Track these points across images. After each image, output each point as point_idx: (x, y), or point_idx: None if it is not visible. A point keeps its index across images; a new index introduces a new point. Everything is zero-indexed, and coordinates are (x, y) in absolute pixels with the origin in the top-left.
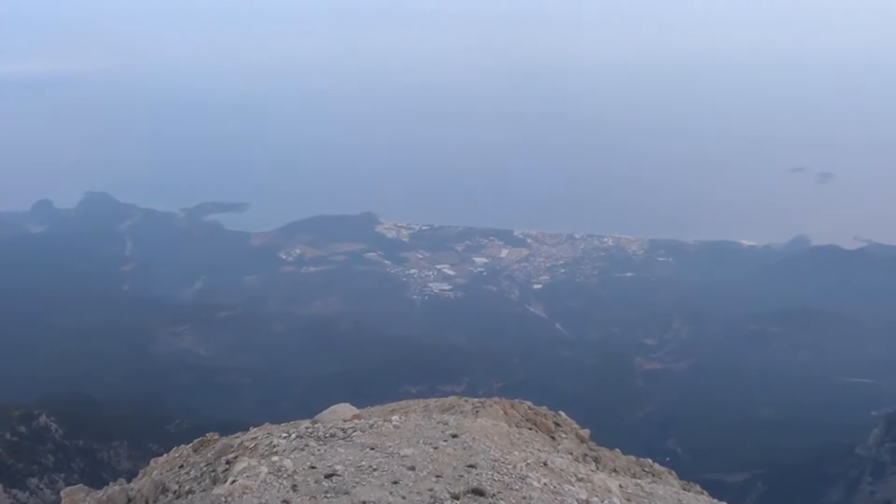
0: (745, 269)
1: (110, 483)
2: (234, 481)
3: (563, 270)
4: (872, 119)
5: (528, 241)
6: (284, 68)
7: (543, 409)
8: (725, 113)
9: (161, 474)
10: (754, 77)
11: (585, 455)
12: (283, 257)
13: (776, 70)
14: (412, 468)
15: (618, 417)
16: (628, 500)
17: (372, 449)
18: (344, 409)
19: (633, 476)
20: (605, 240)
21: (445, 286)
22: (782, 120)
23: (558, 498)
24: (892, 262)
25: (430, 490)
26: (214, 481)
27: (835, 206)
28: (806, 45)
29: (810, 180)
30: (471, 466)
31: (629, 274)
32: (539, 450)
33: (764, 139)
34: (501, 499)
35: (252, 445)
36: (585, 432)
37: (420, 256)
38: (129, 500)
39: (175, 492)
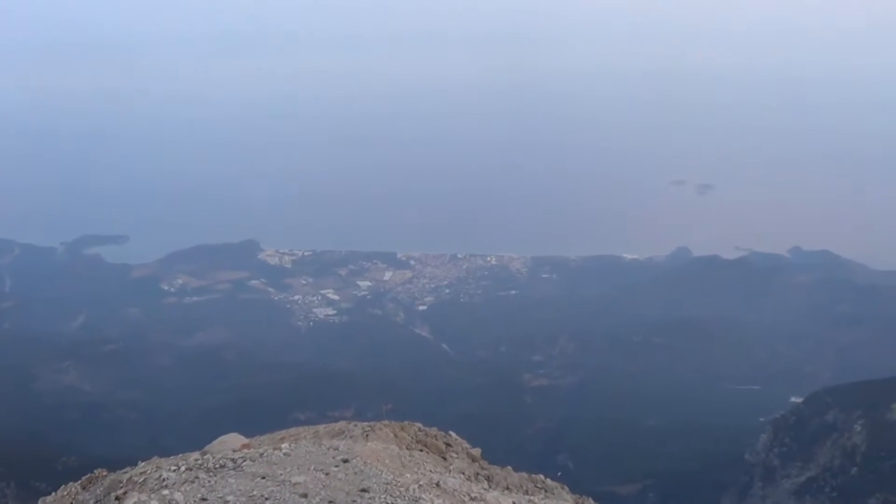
0: (628, 282)
1: None
2: None
3: (447, 291)
4: (749, 131)
5: (412, 262)
6: (161, 96)
7: (434, 431)
8: (605, 128)
9: None
10: (632, 91)
11: (477, 474)
12: (166, 288)
13: (653, 84)
14: (304, 495)
15: (508, 435)
16: None
17: (263, 478)
18: (233, 439)
19: (526, 493)
20: (488, 259)
21: (330, 311)
22: (661, 134)
23: None
24: (772, 270)
25: None
26: None
27: (715, 217)
28: (682, 59)
29: (690, 192)
30: (363, 490)
31: (513, 292)
32: (431, 471)
33: (643, 153)
34: None
35: (141, 480)
36: (476, 451)
37: (304, 282)
38: None
39: None
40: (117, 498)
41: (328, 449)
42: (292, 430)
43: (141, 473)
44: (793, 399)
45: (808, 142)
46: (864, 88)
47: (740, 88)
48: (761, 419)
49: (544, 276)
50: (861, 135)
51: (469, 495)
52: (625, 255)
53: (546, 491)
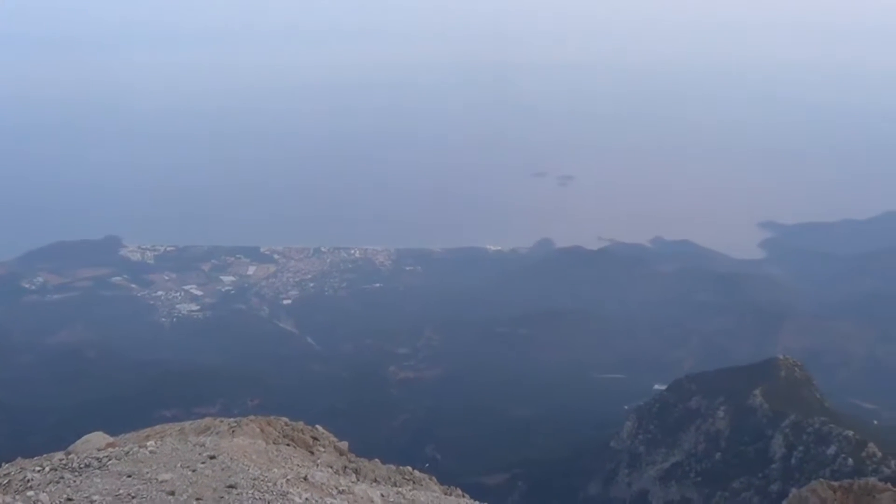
0: (492, 273)
1: None
2: None
3: (311, 285)
4: (609, 122)
5: (276, 256)
6: (14, 88)
7: (300, 425)
8: (466, 121)
9: None
10: (491, 85)
11: (345, 467)
12: (26, 286)
13: (512, 77)
14: (171, 493)
15: (375, 427)
16: None
17: (129, 476)
18: (98, 438)
19: (394, 485)
20: (353, 252)
21: (194, 307)
22: (522, 126)
23: None
24: (634, 259)
25: None
26: None
27: (577, 208)
28: (543, 53)
29: (552, 184)
30: (231, 487)
31: (378, 285)
32: (298, 465)
33: (505, 146)
34: None
35: (5, 482)
36: (344, 444)
37: (166, 278)
38: None
39: None
40: None
41: (194, 446)
42: (158, 428)
43: (5, 475)
44: (656, 386)
45: (668, 133)
46: (725, 81)
47: (599, 80)
48: (626, 407)
49: (409, 268)
50: (720, 127)
51: (337, 488)
52: (488, 247)
53: (414, 482)
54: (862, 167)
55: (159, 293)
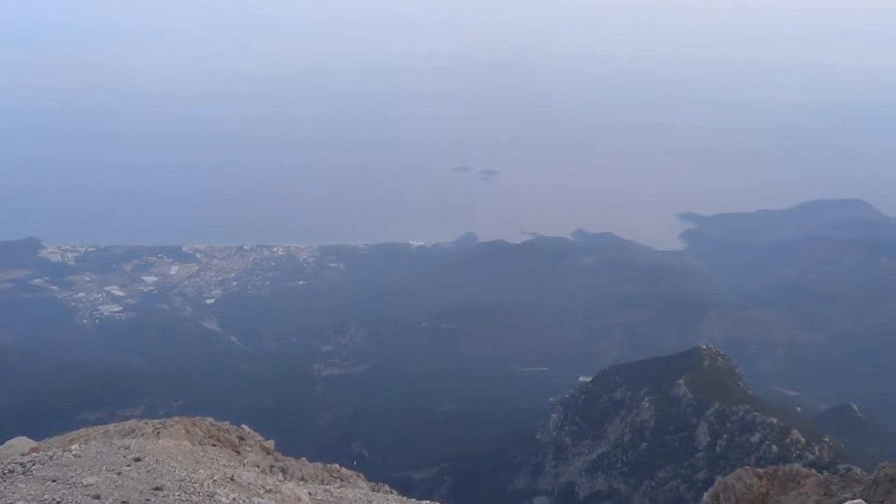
0: (416, 269)
1: None
2: None
3: (234, 283)
4: (530, 117)
5: (198, 255)
6: None
7: (226, 425)
8: (386, 117)
9: None
10: (410, 81)
11: (272, 466)
12: None
13: (431, 73)
14: (97, 497)
15: (302, 425)
16: None
17: (53, 481)
18: (20, 443)
19: (322, 482)
20: (275, 249)
21: (116, 308)
22: (443, 121)
23: None
24: (557, 252)
25: None
26: None
27: (499, 202)
28: (462, 47)
29: (474, 179)
30: (157, 489)
31: (301, 282)
32: (225, 465)
33: (426, 141)
34: None
35: None
36: (270, 443)
37: (88, 279)
38: None
39: None
40: None
41: (119, 448)
42: (82, 431)
43: None
44: (581, 378)
45: (590, 127)
46: (646, 77)
47: (520, 75)
48: (551, 399)
49: (332, 265)
50: (641, 121)
51: (264, 488)
52: (412, 243)
53: (342, 480)
54: (778, 158)
55: (81, 295)
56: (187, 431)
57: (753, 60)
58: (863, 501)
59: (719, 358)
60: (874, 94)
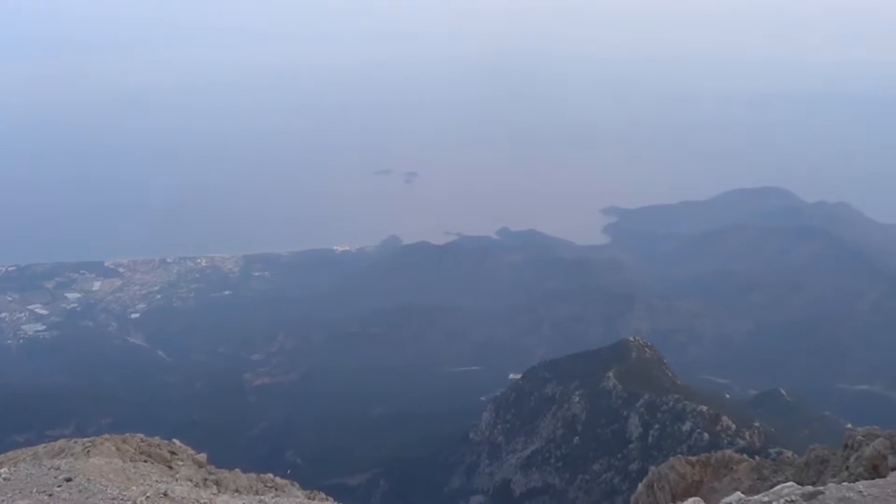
0: (341, 274)
1: None
2: None
3: (159, 297)
4: (450, 117)
5: (121, 270)
6: None
7: (157, 440)
8: (304, 121)
9: None
10: (329, 85)
11: (205, 479)
12: None
13: (348, 78)
14: None
15: (234, 437)
16: None
17: None
18: None
19: (257, 493)
20: (199, 261)
21: (40, 326)
22: (362, 124)
23: None
24: (481, 251)
25: None
26: None
27: (422, 204)
28: (377, 54)
29: (397, 181)
30: None
31: (227, 292)
32: (157, 481)
33: (346, 144)
34: None
35: None
36: (203, 457)
37: (9, 299)
38: None
39: None
40: None
41: (49, 469)
42: (10, 454)
43: None
44: (511, 376)
45: (509, 125)
46: (565, 71)
47: (438, 76)
48: (482, 398)
49: (257, 274)
50: (559, 117)
51: (198, 501)
52: (335, 248)
53: (276, 489)
54: (698, 149)
55: (3, 315)
56: (118, 449)
57: (669, 53)
58: (795, 484)
59: (647, 349)
60: (790, 82)
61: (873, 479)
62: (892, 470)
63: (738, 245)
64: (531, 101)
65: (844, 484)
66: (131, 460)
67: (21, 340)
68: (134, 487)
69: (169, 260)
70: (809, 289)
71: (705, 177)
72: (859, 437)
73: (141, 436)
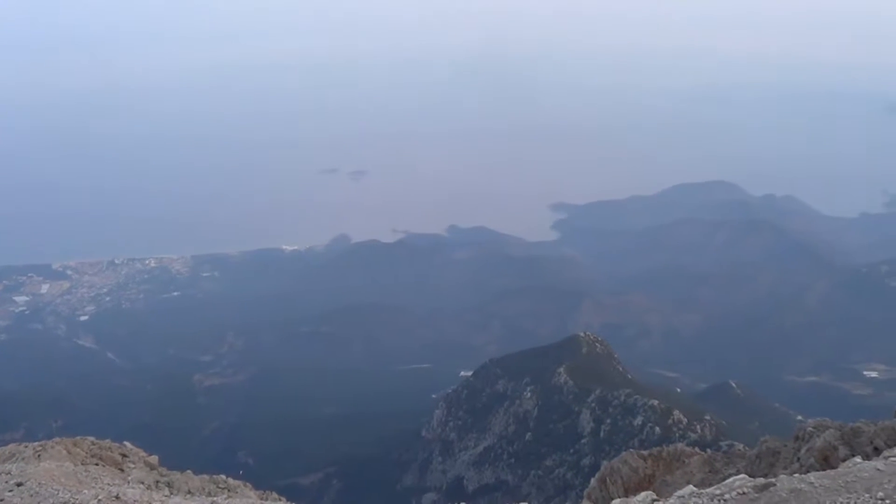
0: (290, 273)
1: None
2: None
3: (108, 299)
4: (397, 115)
5: (69, 272)
6: None
7: (108, 443)
8: (252, 122)
9: None
10: (275, 84)
11: (157, 482)
12: None
13: (294, 76)
14: None
15: (186, 438)
16: None
17: None
18: None
19: (209, 495)
20: (147, 262)
21: None
22: (308, 123)
23: None
24: (430, 249)
25: None
26: None
27: (370, 202)
28: (325, 50)
29: (344, 179)
30: None
31: (176, 293)
32: (109, 484)
33: (292, 143)
34: None
35: None
36: (154, 459)
37: None
38: None
39: None
40: None
41: (0, 474)
42: None
43: None
44: (463, 373)
45: (457, 122)
46: (512, 69)
47: (384, 73)
48: (434, 395)
49: (206, 274)
50: (507, 114)
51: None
52: (284, 247)
53: (229, 491)
54: (647, 145)
55: None
56: (69, 452)
57: (614, 48)
58: (747, 476)
59: (598, 344)
60: (735, 76)
61: (824, 470)
62: (843, 461)
63: (687, 239)
64: (479, 100)
65: (796, 475)
66: (83, 463)
67: None
68: (86, 491)
69: (117, 261)
70: (758, 282)
71: (654, 172)
72: (810, 428)
73: (92, 439)
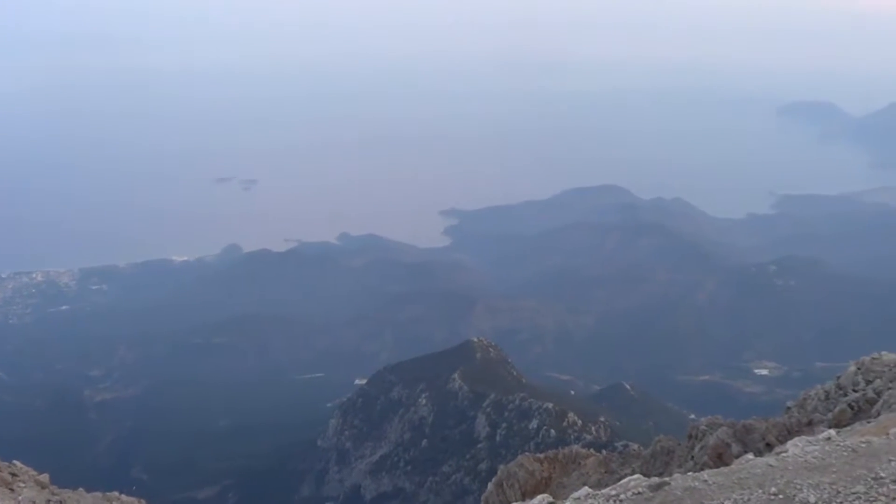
0: (181, 284)
1: None
2: None
3: None
4: (288, 124)
5: None
6: None
7: None
8: (140, 129)
9: None
10: (165, 94)
11: (49, 501)
12: None
13: (185, 85)
14: None
15: (77, 455)
16: None
17: None
18: None
19: None
20: (34, 275)
21: None
22: (199, 131)
23: None
24: (322, 257)
25: None
26: None
27: (262, 211)
28: (218, 59)
29: (235, 189)
30: None
31: (64, 307)
32: None
33: (182, 152)
34: None
35: None
36: (45, 477)
37: None
38: None
39: None
40: None
41: None
42: None
43: None
44: (357, 381)
45: (347, 131)
46: (401, 77)
47: (274, 83)
48: (329, 405)
49: (94, 287)
50: (396, 122)
51: None
52: (174, 258)
53: None
54: (537, 150)
55: None
56: None
57: (505, 56)
58: (641, 476)
59: (491, 349)
60: (621, 82)
61: (718, 467)
62: (736, 458)
63: (578, 242)
64: (369, 107)
65: (690, 474)
66: None
67: None
68: None
69: (3, 275)
70: (649, 283)
71: (545, 177)
72: (703, 426)
73: None
